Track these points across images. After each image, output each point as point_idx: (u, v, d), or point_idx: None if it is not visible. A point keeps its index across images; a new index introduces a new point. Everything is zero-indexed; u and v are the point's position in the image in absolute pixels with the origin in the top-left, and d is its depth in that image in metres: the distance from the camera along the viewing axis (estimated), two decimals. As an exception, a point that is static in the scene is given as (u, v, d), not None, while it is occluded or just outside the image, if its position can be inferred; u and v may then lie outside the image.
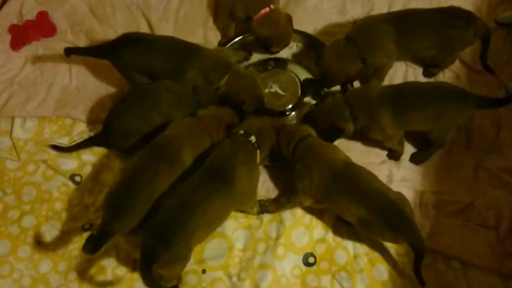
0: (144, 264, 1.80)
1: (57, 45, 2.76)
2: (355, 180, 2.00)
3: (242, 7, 2.55)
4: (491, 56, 2.52)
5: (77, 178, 2.40)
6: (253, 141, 2.09)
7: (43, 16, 2.81)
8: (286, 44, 2.62)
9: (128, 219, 1.98)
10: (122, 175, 2.08)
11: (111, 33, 2.72)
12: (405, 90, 2.23)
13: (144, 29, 2.82)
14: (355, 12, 2.83)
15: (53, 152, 2.43)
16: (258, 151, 2.11)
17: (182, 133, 2.14)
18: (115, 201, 1.99)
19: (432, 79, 2.58)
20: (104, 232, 1.95)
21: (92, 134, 2.47)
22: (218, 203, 1.93)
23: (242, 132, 2.11)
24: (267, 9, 2.48)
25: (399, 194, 2.05)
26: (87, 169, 2.42)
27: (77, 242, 2.23)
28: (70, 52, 2.46)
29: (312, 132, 2.22)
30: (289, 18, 2.55)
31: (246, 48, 2.68)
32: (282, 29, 2.53)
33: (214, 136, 2.21)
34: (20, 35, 2.76)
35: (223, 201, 1.94)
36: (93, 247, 1.90)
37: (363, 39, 2.33)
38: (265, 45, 2.56)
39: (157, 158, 2.06)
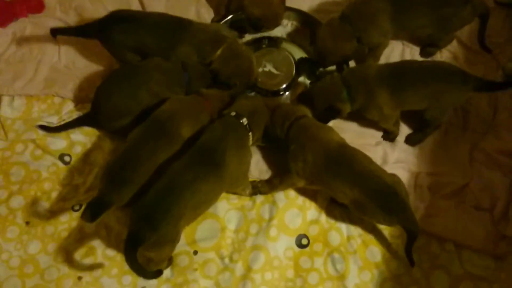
0: (129, 246, 1.77)
1: (45, 21, 2.69)
2: (349, 162, 1.97)
3: None
4: (490, 35, 2.50)
5: (67, 158, 2.36)
6: (245, 123, 2.06)
7: (31, -8, 2.73)
8: (275, 26, 2.56)
9: (126, 190, 1.97)
10: (120, 149, 2.05)
11: (101, 11, 2.65)
12: (404, 68, 2.20)
13: (135, 6, 2.75)
14: (352, -11, 2.77)
15: (42, 131, 2.38)
16: (250, 133, 2.07)
17: (182, 108, 2.11)
18: (114, 173, 1.97)
19: (429, 59, 2.54)
20: (102, 201, 1.92)
21: (81, 113, 2.43)
22: (207, 186, 1.89)
23: (233, 113, 2.07)
24: None
25: (393, 176, 2.03)
26: (77, 149, 2.37)
27: (67, 223, 2.20)
28: (57, 33, 2.40)
29: (308, 112, 2.19)
30: (282, 0, 2.49)
31: (240, 26, 2.61)
32: (274, 10, 2.46)
33: (215, 115, 2.17)
34: (7, 11, 2.68)
35: (212, 184, 1.91)
36: (91, 215, 1.87)
37: (358, 18, 2.29)
38: (255, 25, 2.50)
39: (156, 133, 2.03)
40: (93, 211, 1.88)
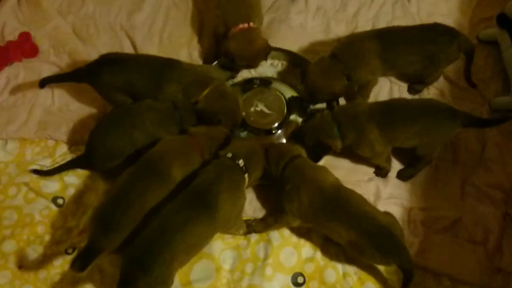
0: None
1: (39, 66, 2.74)
2: (344, 203, 1.98)
3: (222, 21, 2.55)
4: (475, 72, 2.56)
5: (60, 201, 2.34)
6: (241, 165, 2.06)
7: (25, 37, 2.78)
8: (249, 67, 2.59)
9: (116, 235, 1.95)
10: (111, 191, 2.04)
11: (94, 54, 2.67)
12: (393, 106, 2.24)
13: (128, 49, 2.81)
14: (340, 30, 2.85)
15: (35, 174, 2.38)
16: (246, 175, 2.07)
17: (172, 149, 2.11)
18: (104, 217, 1.95)
19: (416, 96, 2.60)
20: (92, 248, 1.90)
21: (74, 155, 2.43)
22: (199, 229, 1.88)
23: (230, 155, 2.08)
24: (245, 25, 2.47)
25: (388, 215, 2.04)
26: (70, 191, 2.37)
27: (60, 267, 2.17)
28: (46, 83, 2.42)
29: (302, 152, 2.21)
30: (266, 45, 2.52)
31: (231, 67, 2.65)
32: (252, 51, 2.49)
33: (206, 154, 2.18)
34: (2, 56, 2.71)
35: (204, 227, 1.90)
36: (81, 265, 1.84)
37: (347, 56, 2.34)
38: (232, 61, 2.52)
39: (146, 174, 2.03)
40: (83, 261, 1.86)
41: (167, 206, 1.92)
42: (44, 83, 2.40)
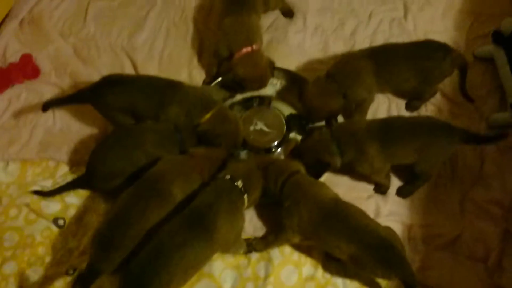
0: None
1: (41, 87, 2.77)
2: (344, 218, 1.98)
3: (225, 45, 2.58)
4: (472, 89, 2.58)
5: (61, 222, 2.35)
6: (240, 186, 2.06)
7: (26, 59, 2.81)
8: (260, 87, 2.63)
9: (116, 256, 1.95)
10: (110, 211, 2.05)
11: (95, 75, 2.72)
12: (392, 123, 2.25)
13: (129, 69, 2.84)
14: (338, 49, 2.88)
15: (36, 195, 2.39)
16: (245, 196, 2.08)
17: (172, 169, 2.12)
18: (104, 239, 1.96)
19: (415, 113, 2.62)
20: (93, 270, 1.91)
21: (75, 176, 2.43)
22: (197, 250, 1.88)
23: (228, 177, 2.08)
24: (249, 48, 2.52)
25: (388, 229, 2.04)
26: (71, 212, 2.37)
27: (61, 288, 2.17)
28: (49, 107, 2.42)
29: (301, 168, 2.22)
30: (269, 63, 2.58)
31: (230, 86, 2.69)
32: (260, 72, 2.55)
33: (205, 175, 2.19)
34: (4, 78, 2.75)
35: (202, 248, 1.90)
36: (82, 286, 1.85)
37: (342, 75, 2.37)
38: (239, 84, 2.57)
39: (146, 193, 2.04)
40: (84, 282, 1.87)
41: (165, 226, 1.92)
42: (47, 106, 2.41)
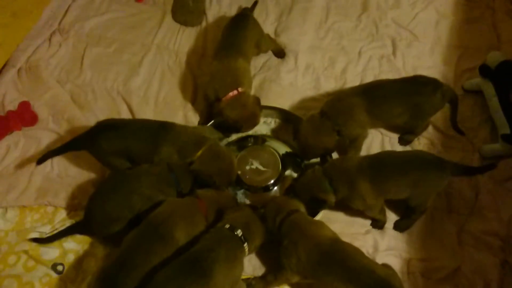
0: None
1: (39, 133, 2.80)
2: (342, 258, 1.98)
3: (212, 89, 2.63)
4: (463, 121, 2.63)
5: (59, 267, 2.35)
6: (240, 235, 2.06)
7: (25, 106, 2.86)
8: (254, 125, 2.66)
9: None
10: (116, 253, 2.04)
11: (93, 119, 2.76)
12: (383, 159, 2.27)
13: (125, 113, 2.88)
14: (329, 87, 2.94)
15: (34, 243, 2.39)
16: (245, 244, 2.07)
17: (177, 211, 2.13)
18: (108, 279, 1.95)
19: (408, 147, 2.65)
20: None
21: (74, 221, 2.45)
22: None
23: (227, 226, 2.08)
24: (235, 91, 2.56)
25: (387, 268, 2.03)
26: (70, 258, 2.37)
27: (60, 336, 2.15)
28: (45, 159, 2.44)
29: (300, 206, 2.23)
30: (257, 101, 2.62)
31: (225, 127, 2.69)
32: (250, 112, 2.57)
33: (210, 218, 2.19)
34: (2, 125, 2.78)
35: None
36: None
37: (336, 113, 2.41)
38: (234, 127, 2.60)
39: (150, 236, 2.04)
40: None
41: (161, 271, 1.91)
42: (43, 160, 2.44)
